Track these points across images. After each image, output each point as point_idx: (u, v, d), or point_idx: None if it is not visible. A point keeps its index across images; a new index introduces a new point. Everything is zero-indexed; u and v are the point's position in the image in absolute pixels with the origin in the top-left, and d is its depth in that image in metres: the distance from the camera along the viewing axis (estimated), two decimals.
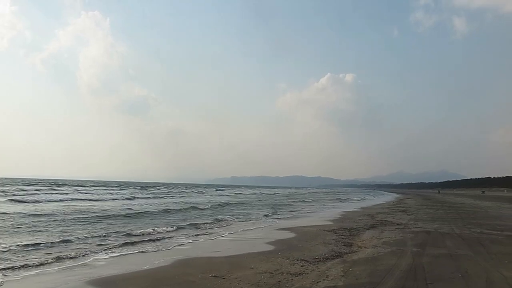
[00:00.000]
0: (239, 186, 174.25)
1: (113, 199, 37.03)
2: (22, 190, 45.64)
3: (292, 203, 40.81)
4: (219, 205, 33.37)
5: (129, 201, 35.42)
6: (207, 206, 30.22)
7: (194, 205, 30.59)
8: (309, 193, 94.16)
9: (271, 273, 8.12)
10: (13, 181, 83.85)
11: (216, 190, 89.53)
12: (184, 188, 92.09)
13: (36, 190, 47.65)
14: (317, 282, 7.29)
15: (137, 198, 41.32)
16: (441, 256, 9.74)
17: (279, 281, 7.46)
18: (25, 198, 31.83)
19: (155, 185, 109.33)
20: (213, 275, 7.94)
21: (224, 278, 7.67)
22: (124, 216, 20.45)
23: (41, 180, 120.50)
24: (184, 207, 28.36)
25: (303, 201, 47.72)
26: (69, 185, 71.14)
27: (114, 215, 20.50)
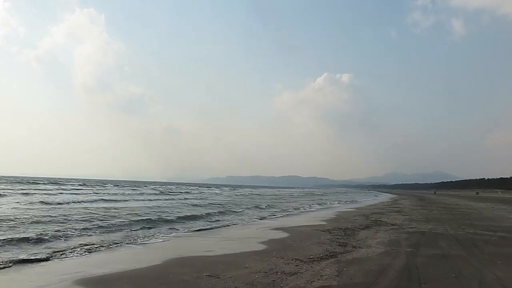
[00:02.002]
0: (240, 186, 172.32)
1: (148, 200, 36.28)
2: (39, 189, 45.17)
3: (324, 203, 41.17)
4: (255, 206, 32.13)
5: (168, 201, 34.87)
6: (241, 209, 28.69)
7: (228, 208, 28.78)
8: (321, 193, 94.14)
9: (266, 272, 8.11)
10: (8, 180, 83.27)
11: (230, 189, 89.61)
12: (189, 188, 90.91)
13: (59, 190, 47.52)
14: (312, 282, 7.29)
15: (177, 199, 41.02)
16: (435, 257, 9.78)
17: (274, 280, 7.45)
18: (52, 199, 31.18)
19: (160, 185, 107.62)
20: (208, 274, 7.91)
21: (218, 278, 7.65)
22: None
23: (42, 178, 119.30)
24: (220, 210, 26.71)
25: (325, 200, 48.36)
26: (88, 185, 70.83)
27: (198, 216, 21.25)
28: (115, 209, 23.79)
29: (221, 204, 33.53)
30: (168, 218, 19.64)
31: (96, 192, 47.15)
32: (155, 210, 23.85)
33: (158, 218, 19.21)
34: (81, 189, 52.54)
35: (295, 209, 32.42)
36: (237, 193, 67.74)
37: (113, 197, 37.12)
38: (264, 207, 32.63)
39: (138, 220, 17.70)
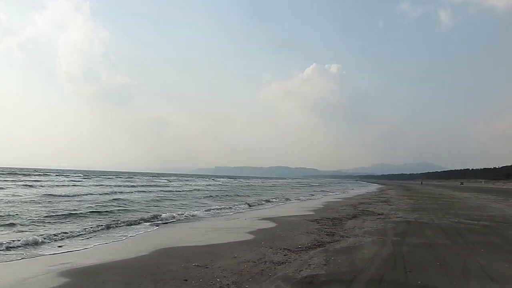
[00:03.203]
0: (231, 177, 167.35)
1: (149, 191, 35.65)
2: (35, 181, 43.89)
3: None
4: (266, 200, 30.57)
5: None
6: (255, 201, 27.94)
7: (244, 201, 27.02)
8: (317, 184, 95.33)
9: (254, 262, 8.15)
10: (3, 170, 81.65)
11: (230, 179, 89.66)
12: (183, 178, 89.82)
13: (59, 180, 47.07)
14: (300, 271, 7.35)
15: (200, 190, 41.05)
16: (421, 245, 9.95)
17: (262, 270, 7.49)
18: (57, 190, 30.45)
19: (151, 176, 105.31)
20: (196, 264, 7.91)
21: (207, 267, 7.66)
22: None
23: (29, 169, 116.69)
24: (248, 202, 25.64)
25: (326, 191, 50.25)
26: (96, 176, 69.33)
27: None
28: (117, 200, 23.59)
29: (230, 196, 33.76)
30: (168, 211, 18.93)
31: (94, 183, 45.71)
32: (153, 203, 23.45)
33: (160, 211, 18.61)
34: (79, 181, 50.76)
35: (285, 199, 32.58)
36: (235, 184, 67.23)
37: (115, 189, 35.64)
38: (275, 199, 31.19)
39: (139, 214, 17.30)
